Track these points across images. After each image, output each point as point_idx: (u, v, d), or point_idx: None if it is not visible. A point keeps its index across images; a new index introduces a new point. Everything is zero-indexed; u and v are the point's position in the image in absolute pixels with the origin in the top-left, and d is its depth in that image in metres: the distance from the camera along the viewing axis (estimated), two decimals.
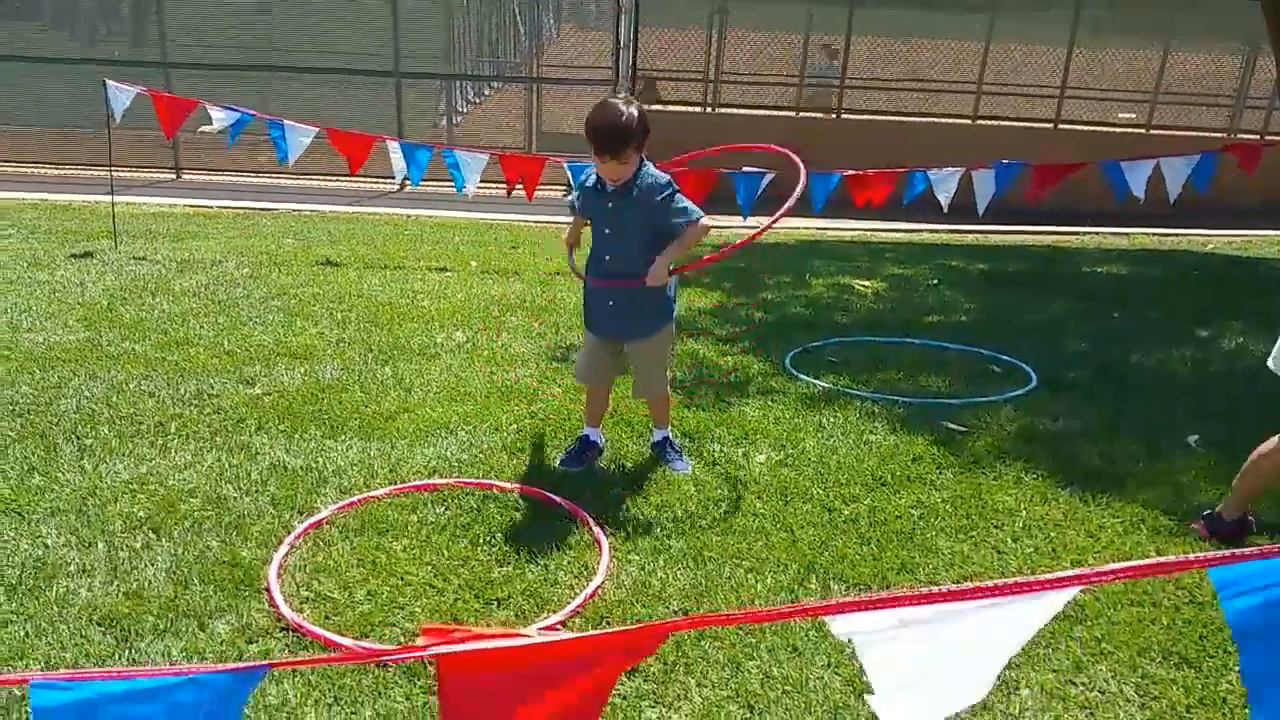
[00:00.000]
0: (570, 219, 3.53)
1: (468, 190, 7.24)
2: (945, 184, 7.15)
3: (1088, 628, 2.69)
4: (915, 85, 12.86)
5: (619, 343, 3.45)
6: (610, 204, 3.23)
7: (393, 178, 10.78)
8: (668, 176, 3.19)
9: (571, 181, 7.49)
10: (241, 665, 1.23)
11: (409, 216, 10.02)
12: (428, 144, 7.53)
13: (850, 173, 7.19)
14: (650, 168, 3.21)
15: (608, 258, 3.30)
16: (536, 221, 10.12)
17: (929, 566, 2.96)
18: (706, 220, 3.18)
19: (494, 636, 1.23)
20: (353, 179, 12.10)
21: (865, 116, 12.46)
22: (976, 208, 7.10)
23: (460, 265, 7.26)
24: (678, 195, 3.17)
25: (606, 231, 3.29)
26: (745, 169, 7.33)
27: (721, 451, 3.70)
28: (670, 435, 3.60)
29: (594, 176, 3.23)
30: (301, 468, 3.42)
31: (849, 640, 1.26)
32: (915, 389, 4.59)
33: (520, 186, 7.35)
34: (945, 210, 7.19)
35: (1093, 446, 3.92)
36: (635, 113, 3.11)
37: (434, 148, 7.45)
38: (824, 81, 12.59)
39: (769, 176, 7.22)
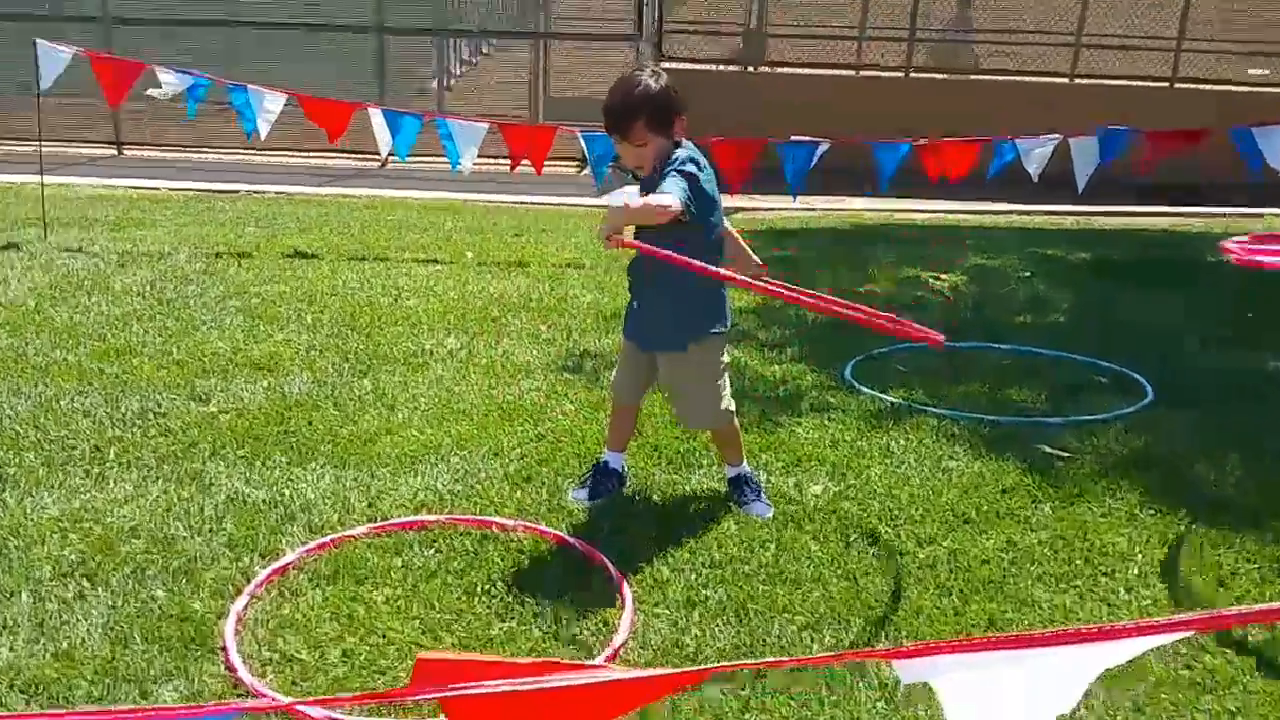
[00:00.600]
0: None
1: (463, 166, 7.27)
2: (1037, 154, 7.08)
3: (1218, 697, 2.62)
4: (999, 37, 12.79)
5: (643, 350, 3.44)
6: (639, 190, 3.24)
7: (375, 153, 10.84)
8: (688, 153, 3.16)
9: (586, 154, 7.48)
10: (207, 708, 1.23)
11: (393, 199, 10.08)
12: (416, 112, 7.56)
13: (921, 141, 7.14)
14: (683, 150, 3.20)
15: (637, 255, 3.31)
16: (544, 204, 10.15)
17: (1023, 622, 2.91)
18: (669, 202, 2.98)
19: (504, 671, 1.25)
20: (327, 154, 12.22)
21: (939, 76, 12.40)
22: (1075, 183, 7.03)
23: (454, 257, 7.28)
24: (670, 172, 3.09)
25: (634, 228, 3.29)
26: (793, 137, 7.31)
27: (769, 482, 3.68)
28: (747, 471, 3.56)
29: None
30: (264, 501, 3.42)
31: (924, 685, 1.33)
32: (1004, 405, 4.54)
33: (527, 162, 7.37)
34: (1036, 181, 7.12)
35: (1223, 475, 3.85)
36: (654, 85, 3.11)
37: (423, 116, 7.49)
38: (953, 36, 12.54)
39: (822, 147, 7.19)
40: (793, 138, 7.29)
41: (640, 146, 3.12)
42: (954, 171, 7.11)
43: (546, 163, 7.67)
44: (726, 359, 3.42)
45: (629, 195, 3.11)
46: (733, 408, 3.45)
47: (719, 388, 3.40)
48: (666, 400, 3.60)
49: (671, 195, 3.02)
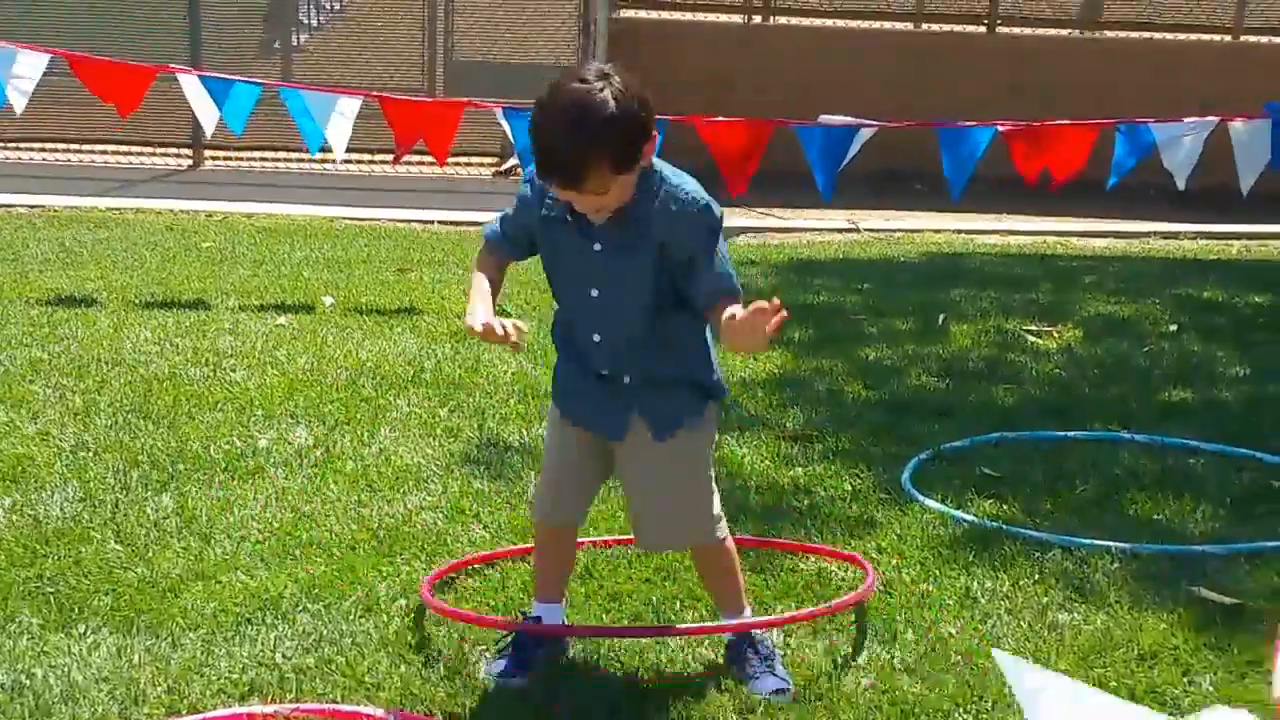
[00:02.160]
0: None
1: (332, 147, 7.32)
2: (1185, 146, 7.23)
3: None
4: None
5: (610, 440, 3.48)
6: (598, 246, 3.27)
7: (183, 145, 10.88)
8: (704, 197, 3.27)
9: (514, 143, 7.56)
10: None
11: (213, 215, 10.10)
12: (251, 79, 7.64)
13: (1008, 126, 7.28)
14: (670, 173, 3.25)
15: (597, 338, 3.36)
16: (445, 222, 10.21)
17: None
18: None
19: None
20: (111, 147, 12.26)
21: (1038, 31, 12.68)
22: (1239, 185, 7.18)
23: (305, 303, 7.28)
24: (721, 237, 3.26)
25: (594, 294, 3.34)
26: (823, 118, 7.45)
27: (788, 644, 3.67)
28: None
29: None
30: (6, 687, 3.37)
31: None
32: (1141, 527, 4.57)
33: (420, 156, 7.45)
34: (1182, 188, 7.25)
35: None
36: (613, 104, 3.05)
37: (262, 85, 7.57)
38: None
39: (865, 133, 7.31)
40: (822, 118, 7.42)
41: (600, 195, 3.15)
42: (1061, 170, 7.25)
43: (450, 158, 7.76)
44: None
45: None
46: (723, 519, 3.52)
47: (710, 481, 3.49)
48: (630, 513, 3.59)
49: (736, 285, 3.25)
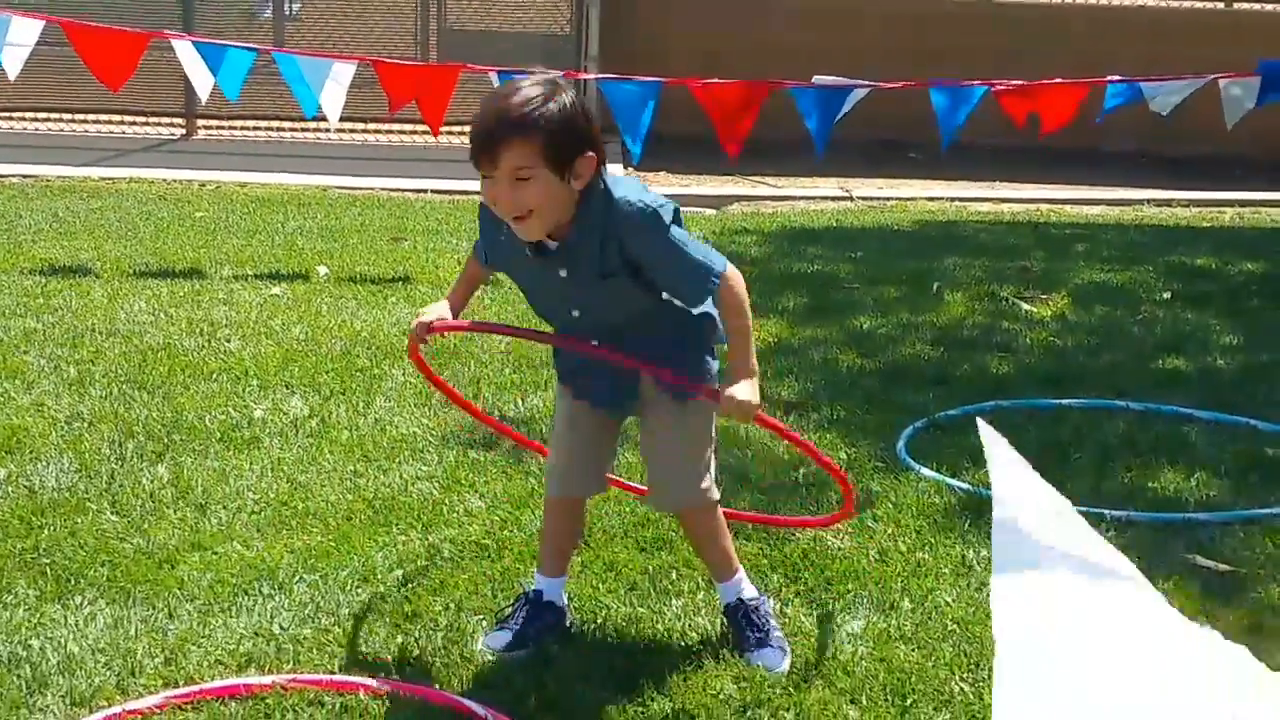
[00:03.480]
0: None
1: (327, 111, 7.32)
2: (1168, 98, 7.28)
3: None
4: None
5: (624, 414, 3.55)
6: (563, 272, 3.26)
7: (177, 114, 10.86)
8: (657, 200, 3.21)
9: None
10: None
11: (206, 184, 10.08)
12: (245, 45, 7.63)
13: (1002, 85, 7.27)
14: (613, 184, 3.20)
15: (595, 343, 3.40)
16: (437, 191, 10.20)
17: None
18: (733, 273, 3.26)
19: None
20: (103, 116, 12.23)
21: (1033, 0, 12.64)
22: (1224, 123, 7.19)
23: (299, 272, 7.27)
24: (673, 229, 3.18)
25: (576, 314, 3.37)
26: (817, 78, 7.44)
27: (784, 613, 3.68)
28: (747, 594, 3.57)
29: None
30: (3, 659, 3.37)
31: None
32: (1135, 494, 4.58)
33: (411, 122, 7.45)
34: (1165, 115, 7.28)
35: None
36: (551, 102, 3.07)
37: (256, 51, 7.55)
38: None
39: (857, 93, 7.30)
40: (816, 79, 7.42)
41: (521, 180, 3.09)
42: (1052, 119, 7.26)
43: (443, 129, 7.75)
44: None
45: (739, 303, 3.27)
46: (716, 492, 3.54)
47: (708, 453, 3.50)
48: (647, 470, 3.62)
49: (722, 263, 3.25)
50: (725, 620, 3.57)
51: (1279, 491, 4.59)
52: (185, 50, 7.35)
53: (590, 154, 3.13)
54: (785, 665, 3.43)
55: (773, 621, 3.56)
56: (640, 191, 3.22)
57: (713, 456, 3.53)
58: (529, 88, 3.11)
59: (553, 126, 3.07)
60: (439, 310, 3.46)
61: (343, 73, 7.40)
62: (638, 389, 3.44)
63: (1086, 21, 12.13)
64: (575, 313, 3.35)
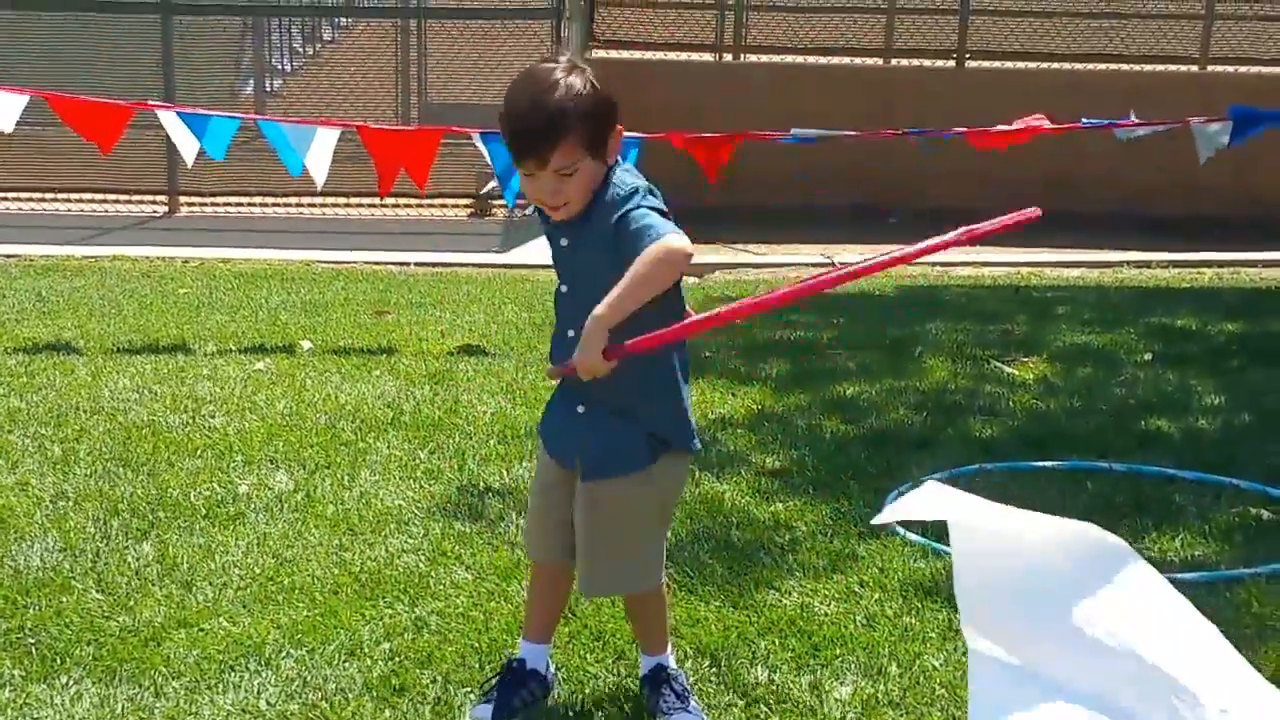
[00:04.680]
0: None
1: (313, 172, 7.37)
2: (1135, 132, 7.43)
3: None
4: (1091, 8, 13.27)
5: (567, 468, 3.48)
6: (565, 241, 3.30)
7: (159, 192, 10.86)
8: (639, 183, 3.23)
9: (492, 165, 7.62)
10: None
11: (189, 261, 10.10)
12: (230, 113, 7.69)
13: (963, 132, 7.36)
14: (624, 174, 3.27)
15: (571, 334, 3.33)
16: (422, 263, 10.22)
17: None
18: (678, 240, 3.11)
19: None
20: (86, 196, 12.24)
21: (1008, 65, 12.76)
22: (1198, 158, 7.33)
23: (283, 347, 7.27)
24: (641, 209, 3.17)
25: (564, 289, 3.37)
26: (795, 131, 7.53)
27: (770, 681, 3.67)
28: (668, 663, 3.56)
29: None
30: None
31: None
32: None
33: (402, 193, 7.53)
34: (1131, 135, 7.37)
35: None
36: (580, 85, 3.15)
37: (241, 119, 7.61)
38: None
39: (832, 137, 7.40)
40: (794, 131, 7.51)
41: (566, 176, 3.17)
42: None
43: (424, 202, 7.82)
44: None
45: (656, 266, 3.10)
46: (654, 579, 3.49)
47: (647, 538, 3.42)
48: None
49: (668, 229, 3.12)
50: (644, 684, 3.54)
51: (1263, 551, 4.59)
52: (170, 119, 7.40)
53: (619, 127, 3.21)
54: None
55: (690, 690, 3.53)
56: (638, 178, 3.27)
57: (663, 529, 3.47)
58: (556, 82, 3.13)
59: (590, 118, 3.14)
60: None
61: (327, 138, 7.47)
62: (577, 441, 3.39)
63: (1059, 88, 12.25)
64: (564, 288, 3.35)
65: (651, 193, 3.23)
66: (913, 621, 4.04)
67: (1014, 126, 7.56)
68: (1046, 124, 7.37)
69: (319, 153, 7.44)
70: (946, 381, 6.78)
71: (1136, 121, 7.84)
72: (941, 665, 3.77)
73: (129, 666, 3.71)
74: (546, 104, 3.12)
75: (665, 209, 3.20)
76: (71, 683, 3.62)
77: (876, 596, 4.19)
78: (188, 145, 7.44)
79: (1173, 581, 4.21)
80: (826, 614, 4.07)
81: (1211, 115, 8.10)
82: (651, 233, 3.12)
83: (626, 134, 3.31)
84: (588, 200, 3.22)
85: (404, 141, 7.73)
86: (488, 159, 7.54)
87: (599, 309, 3.07)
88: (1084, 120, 7.57)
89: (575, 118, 3.12)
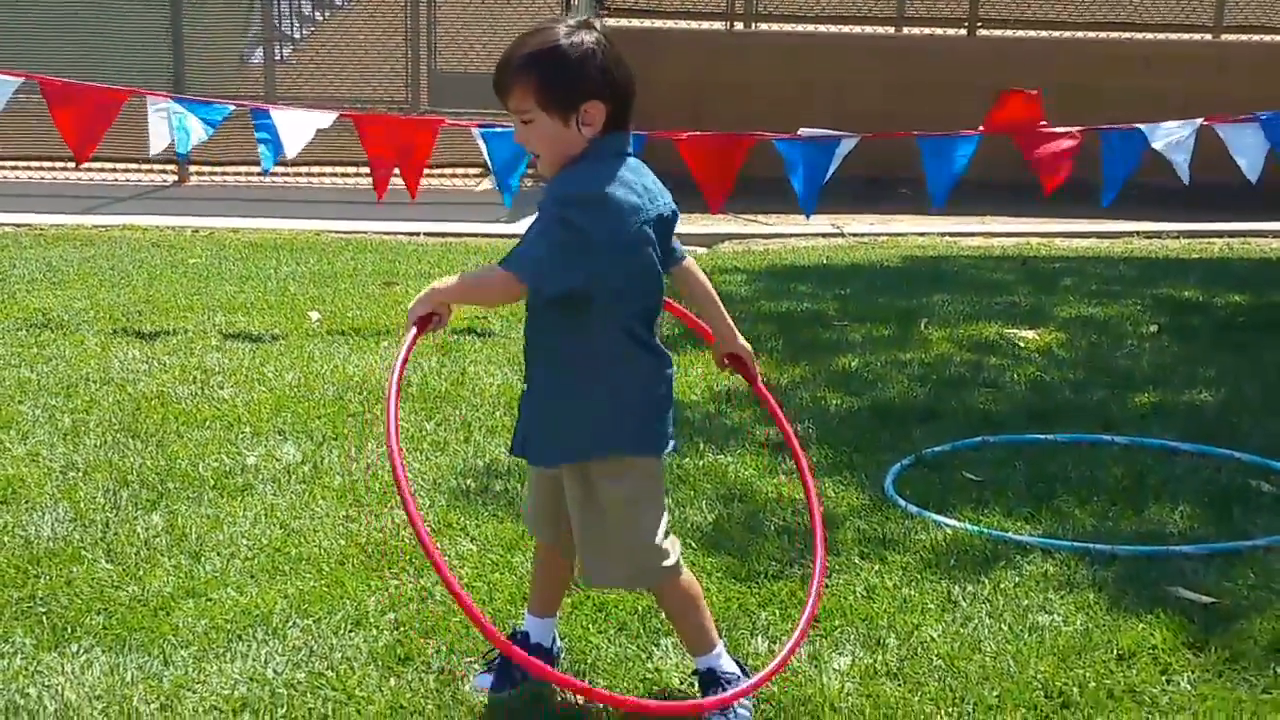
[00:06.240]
0: None
1: (288, 155, 7.30)
2: (1179, 147, 7.22)
3: None
4: None
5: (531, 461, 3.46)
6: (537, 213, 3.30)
7: (168, 161, 10.85)
8: (590, 190, 3.10)
9: (489, 164, 7.60)
10: None
11: (198, 231, 10.13)
12: (220, 101, 7.64)
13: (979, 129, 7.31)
14: (592, 167, 3.15)
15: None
16: (430, 234, 10.24)
17: None
18: (506, 280, 3.10)
19: None
20: (93, 165, 12.24)
21: (1012, 33, 12.73)
22: (1245, 177, 7.09)
23: (291, 320, 7.30)
24: (543, 219, 3.11)
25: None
26: (803, 131, 7.48)
27: (771, 652, 3.71)
28: (722, 665, 3.41)
29: None
30: (1, 708, 3.41)
31: None
32: (1120, 528, 4.62)
33: (399, 177, 7.43)
34: (1187, 181, 7.22)
35: None
36: (563, 39, 3.08)
37: (230, 107, 7.56)
38: None
39: (845, 145, 7.35)
40: (802, 132, 7.46)
41: (526, 124, 3.15)
42: (1049, 179, 7.24)
43: (433, 172, 7.78)
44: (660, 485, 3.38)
45: (482, 280, 3.22)
46: (673, 559, 3.34)
47: (650, 525, 3.31)
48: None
49: (515, 262, 3.08)
50: (701, 687, 3.43)
51: (1262, 523, 4.62)
52: (157, 108, 7.27)
53: (598, 102, 3.11)
54: None
55: (740, 705, 3.36)
56: (600, 178, 3.13)
57: (660, 514, 3.34)
58: (547, 31, 3.14)
59: (550, 71, 3.09)
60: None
61: (313, 122, 7.39)
62: (528, 436, 3.35)
63: (1073, 56, 12.21)
64: None
65: (590, 201, 3.09)
66: (911, 593, 4.08)
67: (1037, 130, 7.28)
68: (1067, 143, 7.03)
69: (299, 134, 7.30)
70: (950, 354, 6.78)
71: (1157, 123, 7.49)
72: (939, 636, 3.81)
73: (138, 635, 3.76)
74: (515, 48, 3.15)
75: (581, 223, 3.06)
76: (82, 651, 3.68)
77: (876, 568, 4.23)
78: (161, 138, 7.27)
79: (1174, 554, 4.31)
80: (827, 585, 4.08)
81: (1225, 85, 7.95)
82: (513, 252, 3.13)
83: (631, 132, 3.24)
84: (557, 166, 3.18)
85: (400, 131, 7.50)
86: (485, 155, 7.48)
87: (442, 281, 3.19)
88: (1106, 135, 7.36)
89: (531, 63, 3.10)
